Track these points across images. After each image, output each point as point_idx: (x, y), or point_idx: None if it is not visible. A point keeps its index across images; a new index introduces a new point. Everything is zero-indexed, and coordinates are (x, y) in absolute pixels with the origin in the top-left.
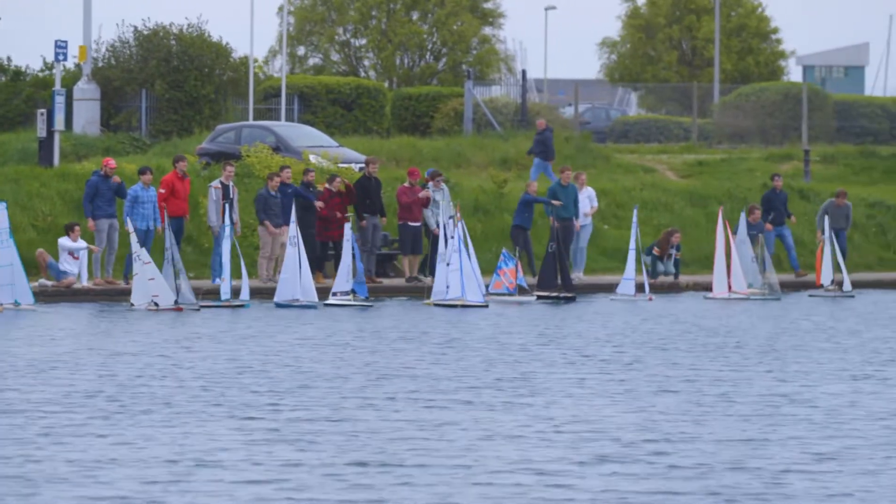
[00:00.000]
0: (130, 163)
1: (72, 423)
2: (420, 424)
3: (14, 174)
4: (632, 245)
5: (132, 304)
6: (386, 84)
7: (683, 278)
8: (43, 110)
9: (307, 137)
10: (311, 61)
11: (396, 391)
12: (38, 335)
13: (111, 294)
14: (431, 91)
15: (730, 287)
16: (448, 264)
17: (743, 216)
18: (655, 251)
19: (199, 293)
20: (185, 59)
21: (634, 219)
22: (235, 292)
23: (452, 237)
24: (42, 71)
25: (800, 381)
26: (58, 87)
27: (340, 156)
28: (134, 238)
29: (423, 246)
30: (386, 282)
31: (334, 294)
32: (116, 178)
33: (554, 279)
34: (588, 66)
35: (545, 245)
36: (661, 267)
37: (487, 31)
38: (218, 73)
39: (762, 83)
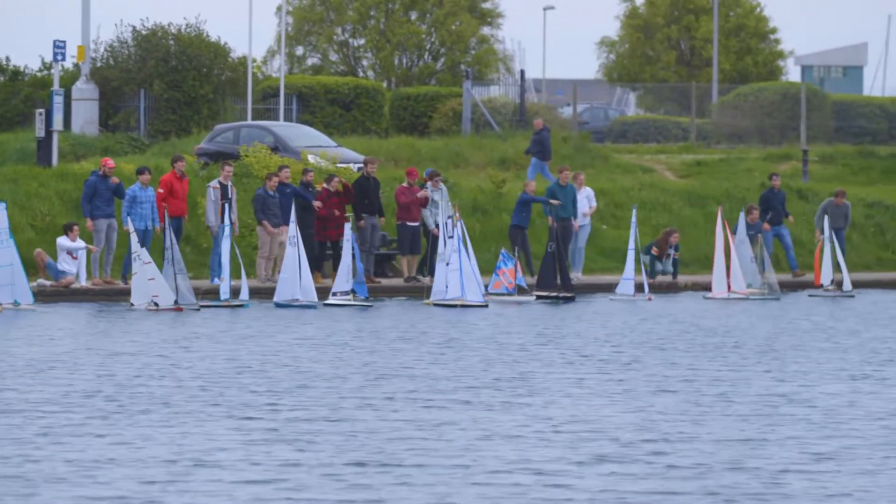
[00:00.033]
0: (129, 163)
1: (70, 422)
2: (418, 424)
3: (12, 174)
4: (631, 245)
5: (132, 304)
6: (384, 84)
7: (682, 278)
8: (41, 110)
9: (306, 137)
10: (310, 61)
11: (395, 391)
12: (36, 335)
13: (109, 294)
14: (430, 91)
15: (729, 287)
16: (447, 264)
17: (742, 216)
18: (654, 251)
19: (199, 293)
20: (183, 59)
21: (633, 219)
22: (235, 292)
23: (451, 237)
24: (40, 71)
25: (798, 381)
26: (56, 87)
27: (339, 156)
28: (134, 238)
29: (421, 246)
30: (384, 282)
31: (334, 294)
32: (115, 179)
33: (553, 279)
34: (586, 66)
35: (544, 245)
36: (659, 266)
37: (486, 31)
38: (216, 73)
39: (761, 83)
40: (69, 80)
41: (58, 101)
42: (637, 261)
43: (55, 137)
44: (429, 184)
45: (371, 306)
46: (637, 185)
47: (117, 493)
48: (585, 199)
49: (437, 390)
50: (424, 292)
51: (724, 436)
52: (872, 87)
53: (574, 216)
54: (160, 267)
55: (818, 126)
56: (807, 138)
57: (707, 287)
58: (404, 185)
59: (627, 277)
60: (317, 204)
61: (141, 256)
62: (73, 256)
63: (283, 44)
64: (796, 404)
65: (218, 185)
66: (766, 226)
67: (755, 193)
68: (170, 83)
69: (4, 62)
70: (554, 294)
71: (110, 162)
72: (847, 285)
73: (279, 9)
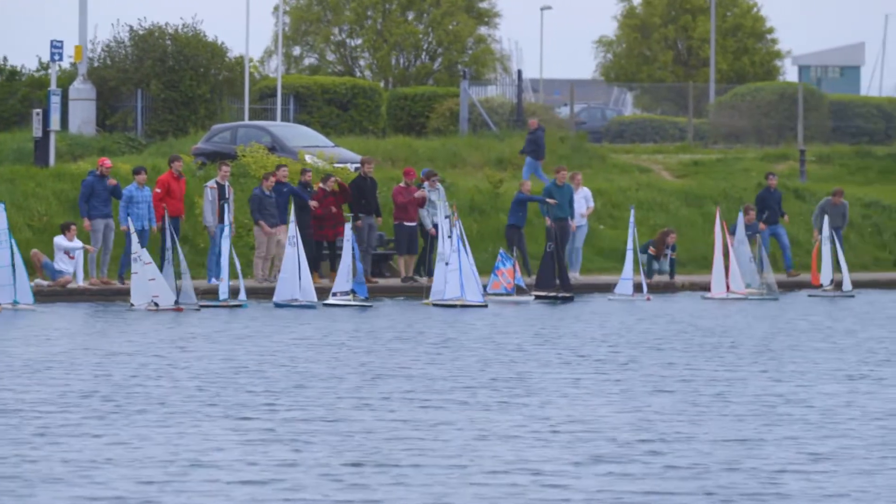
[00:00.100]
0: (126, 163)
1: (67, 423)
2: (415, 424)
3: (10, 174)
4: (629, 245)
5: (132, 305)
6: (381, 84)
7: (679, 278)
8: (39, 110)
9: (303, 137)
10: (307, 61)
11: (392, 391)
12: (34, 335)
13: (107, 294)
14: (427, 91)
15: (728, 287)
16: (447, 264)
17: (741, 216)
18: (651, 251)
19: (197, 293)
20: (180, 58)
21: (632, 219)
22: (234, 292)
23: (450, 236)
24: (38, 71)
25: (796, 381)
26: (53, 86)
27: (336, 156)
28: (134, 238)
29: (418, 246)
30: (381, 282)
31: (334, 294)
32: (112, 181)
33: (552, 279)
34: (584, 66)
35: (541, 245)
36: (656, 265)
37: (483, 30)
38: (213, 73)
39: (758, 83)
40: (66, 80)
41: (55, 101)
42: (635, 261)
43: (52, 137)
44: (426, 184)
45: (371, 306)
46: (634, 185)
47: (114, 493)
48: (583, 200)
49: (434, 390)
50: (424, 292)
51: (722, 436)
52: (869, 87)
53: (571, 216)
54: (160, 267)
55: (815, 126)
56: (804, 138)
57: (704, 287)
58: (401, 185)
59: (626, 277)
60: (313, 203)
61: (141, 257)
62: (69, 256)
63: (281, 44)
64: (793, 404)
65: (215, 185)
66: (762, 225)
67: (752, 193)
68: (167, 83)
69: (2, 62)
70: (553, 294)
71: (107, 162)
72: (847, 285)
73: (276, 8)
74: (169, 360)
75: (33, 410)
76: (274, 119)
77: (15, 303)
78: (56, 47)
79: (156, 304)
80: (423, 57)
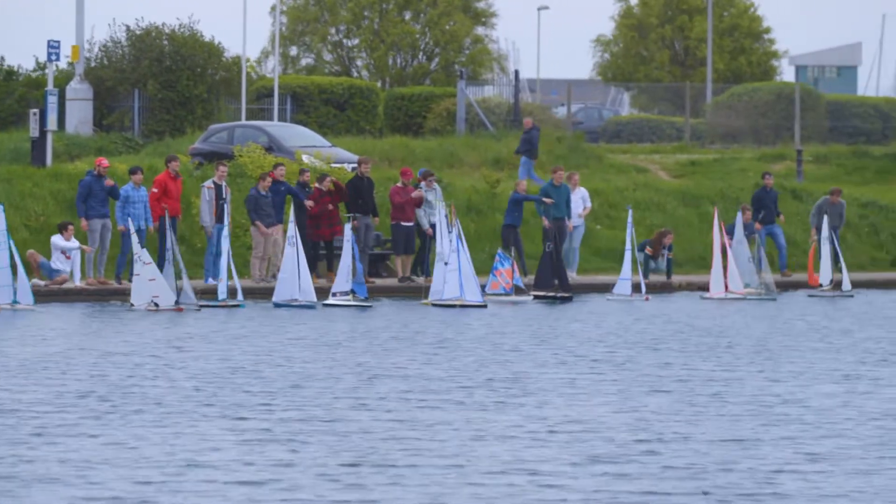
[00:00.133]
0: (123, 163)
1: (64, 423)
2: (412, 425)
3: (6, 174)
4: (627, 245)
5: (132, 305)
6: (378, 84)
7: (676, 278)
8: (35, 110)
9: (300, 137)
10: (304, 61)
11: (388, 391)
12: (31, 335)
13: (103, 294)
14: (424, 91)
15: (726, 287)
16: (446, 263)
17: (739, 216)
18: (648, 251)
19: (196, 293)
20: (177, 58)
21: (629, 219)
22: (232, 292)
23: (451, 233)
24: (35, 71)
25: (792, 381)
26: (50, 86)
27: (333, 156)
28: (135, 239)
29: (415, 246)
30: (378, 282)
31: (334, 294)
32: (110, 181)
33: (551, 279)
34: (581, 66)
35: (537, 244)
36: (653, 265)
37: (480, 30)
38: (210, 73)
39: (755, 83)
40: (63, 80)
41: (52, 101)
42: (634, 261)
43: (49, 137)
44: (423, 184)
45: (371, 307)
46: (631, 186)
47: (111, 493)
48: (580, 200)
49: (430, 390)
50: (423, 292)
51: (718, 436)
52: (866, 87)
53: (568, 216)
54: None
55: (812, 126)
56: (801, 138)
57: (701, 287)
58: (398, 185)
59: (625, 278)
60: (309, 203)
61: (142, 257)
62: (66, 256)
63: (278, 44)
64: (790, 404)
65: (212, 185)
66: (758, 225)
67: (749, 193)
68: (164, 83)
69: None
70: (552, 294)
71: (105, 162)
72: (846, 285)
73: (273, 8)
74: (166, 361)
75: (30, 410)
76: (271, 119)
77: (14, 303)
78: (53, 47)
79: (156, 305)
80: (419, 57)
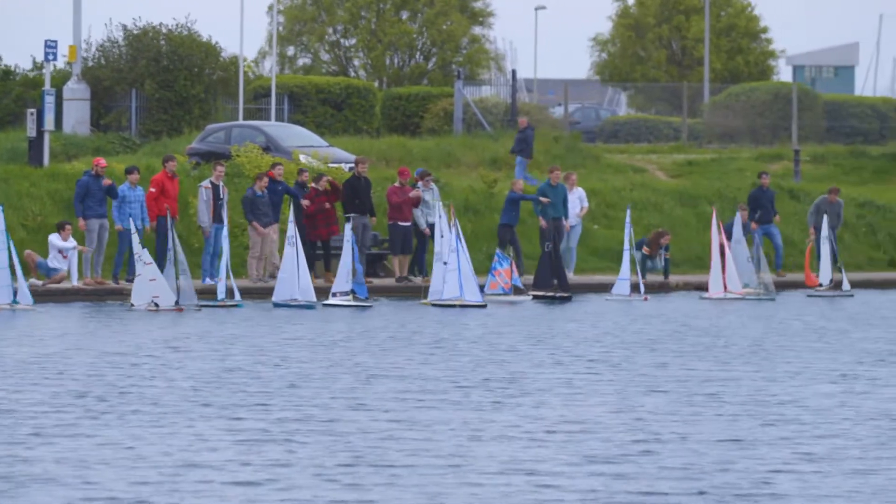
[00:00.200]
0: (120, 163)
1: (61, 423)
2: (409, 425)
3: (4, 174)
4: (626, 245)
5: (132, 305)
6: (376, 84)
7: (674, 278)
8: (33, 110)
9: (297, 137)
10: (301, 61)
11: (386, 391)
12: (28, 335)
13: (101, 294)
14: (421, 91)
15: (725, 287)
16: (445, 263)
17: (738, 216)
18: (645, 250)
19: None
20: (174, 58)
21: (628, 219)
22: (231, 292)
23: (452, 229)
24: (32, 71)
25: (789, 381)
26: (48, 86)
27: (330, 155)
28: (136, 239)
29: (413, 246)
30: (376, 282)
31: (334, 294)
32: (107, 181)
33: (550, 279)
34: (578, 65)
35: (534, 244)
36: (650, 264)
37: (477, 30)
38: (207, 73)
39: (752, 83)
40: (60, 79)
41: (49, 100)
42: (632, 261)
43: (46, 137)
44: (420, 184)
45: (371, 307)
46: (628, 185)
47: (108, 493)
48: (578, 200)
49: (427, 390)
50: (422, 292)
51: (715, 436)
52: (864, 87)
53: (565, 216)
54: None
55: (810, 126)
56: (798, 138)
57: (698, 287)
58: (396, 184)
59: (623, 278)
60: (305, 202)
61: (142, 257)
62: (63, 255)
63: (275, 43)
64: (787, 405)
65: (210, 185)
66: (754, 224)
67: (746, 193)
68: (161, 83)
69: None
70: (551, 294)
71: (102, 162)
72: (846, 285)
73: (270, 8)
74: (163, 361)
75: (27, 411)
76: (268, 119)
77: (14, 303)
78: (50, 47)
79: (156, 305)
80: (417, 57)
